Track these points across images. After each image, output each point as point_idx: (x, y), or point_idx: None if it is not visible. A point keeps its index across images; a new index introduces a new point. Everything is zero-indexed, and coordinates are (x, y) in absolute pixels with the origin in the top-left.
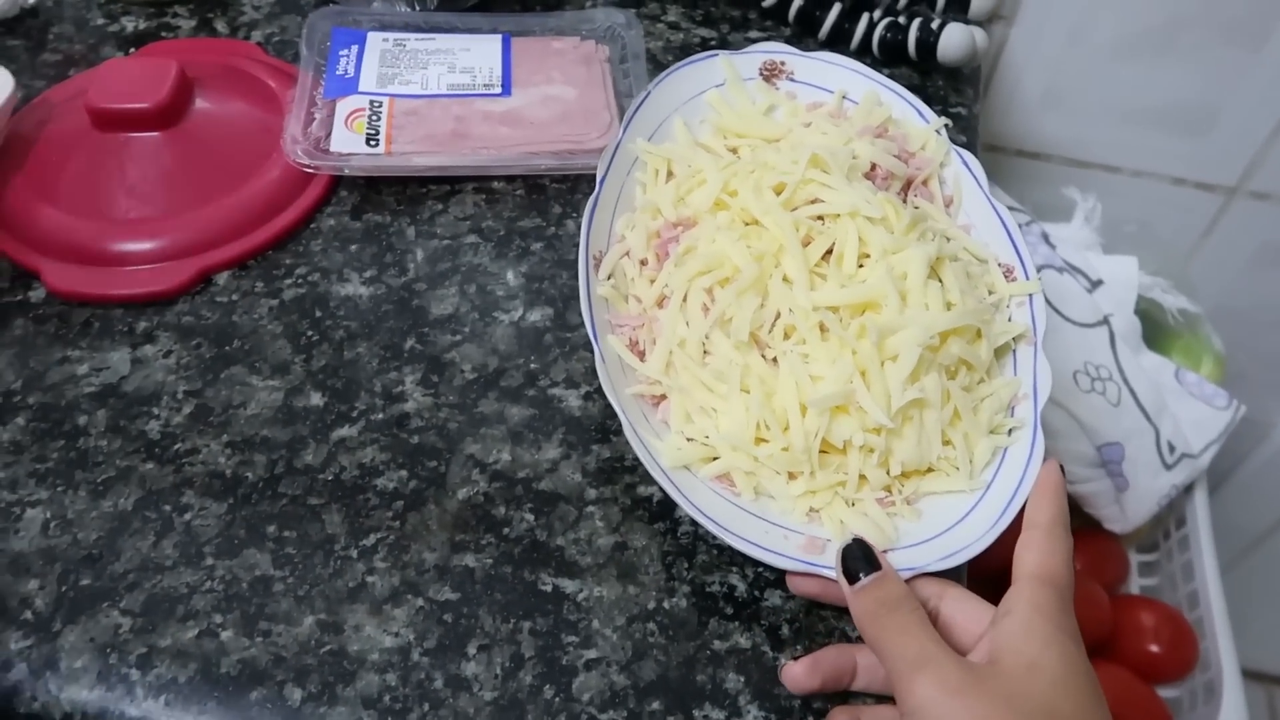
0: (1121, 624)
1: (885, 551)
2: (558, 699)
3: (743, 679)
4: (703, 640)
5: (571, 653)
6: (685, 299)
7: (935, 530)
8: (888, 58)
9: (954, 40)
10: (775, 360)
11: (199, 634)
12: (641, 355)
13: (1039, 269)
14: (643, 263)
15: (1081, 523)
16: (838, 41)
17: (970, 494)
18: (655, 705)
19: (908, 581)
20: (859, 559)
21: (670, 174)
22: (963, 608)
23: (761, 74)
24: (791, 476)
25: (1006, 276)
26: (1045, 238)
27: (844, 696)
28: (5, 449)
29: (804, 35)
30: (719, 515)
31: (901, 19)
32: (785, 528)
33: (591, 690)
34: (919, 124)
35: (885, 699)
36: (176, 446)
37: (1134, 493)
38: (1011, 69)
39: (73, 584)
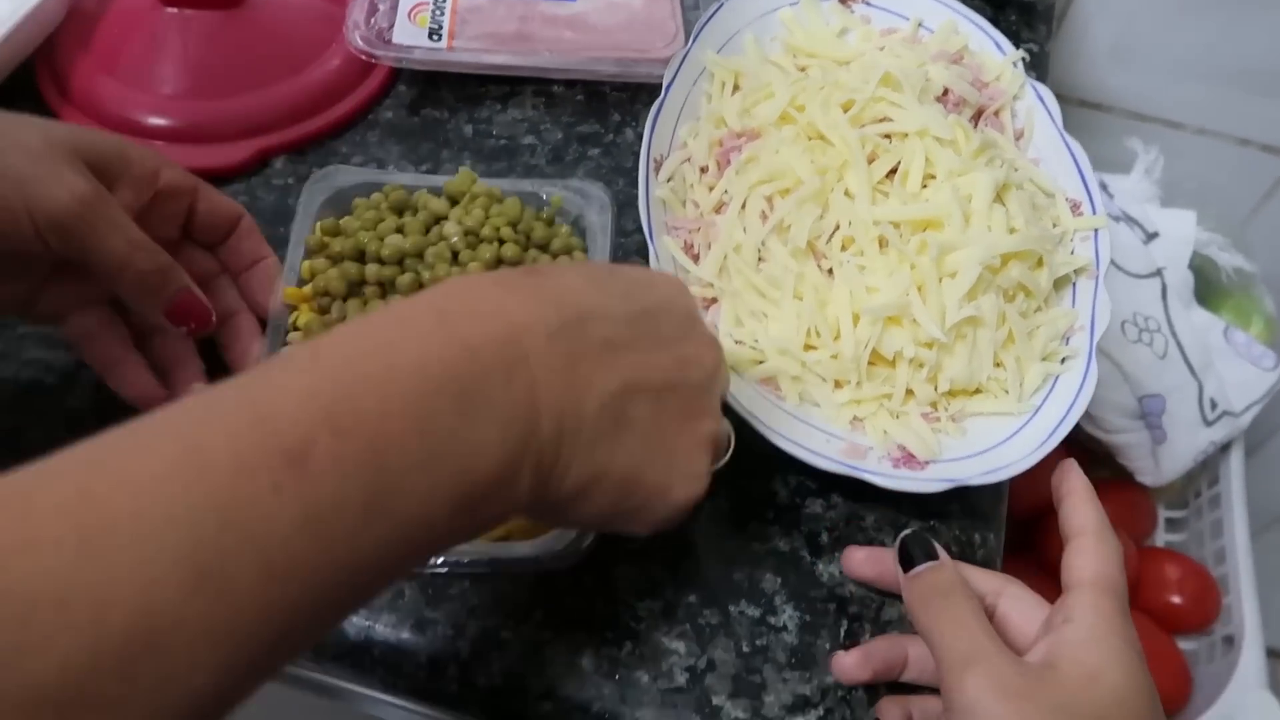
0: (1146, 575)
1: (926, 464)
2: (596, 585)
3: (780, 580)
4: (742, 541)
5: (612, 544)
6: (744, 206)
7: (979, 447)
8: None
9: None
10: (830, 272)
11: None
12: (696, 259)
13: None
14: (703, 170)
15: (1112, 473)
16: None
17: (1017, 417)
18: (692, 598)
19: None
20: (918, 547)
21: (737, 88)
22: (1020, 606)
23: None
24: (838, 385)
25: (1073, 212)
26: (1103, 187)
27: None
28: None
29: None
30: (763, 415)
31: None
32: (828, 433)
33: (630, 580)
34: (995, 56)
35: (935, 690)
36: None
37: (1171, 446)
38: (1082, 15)
39: None
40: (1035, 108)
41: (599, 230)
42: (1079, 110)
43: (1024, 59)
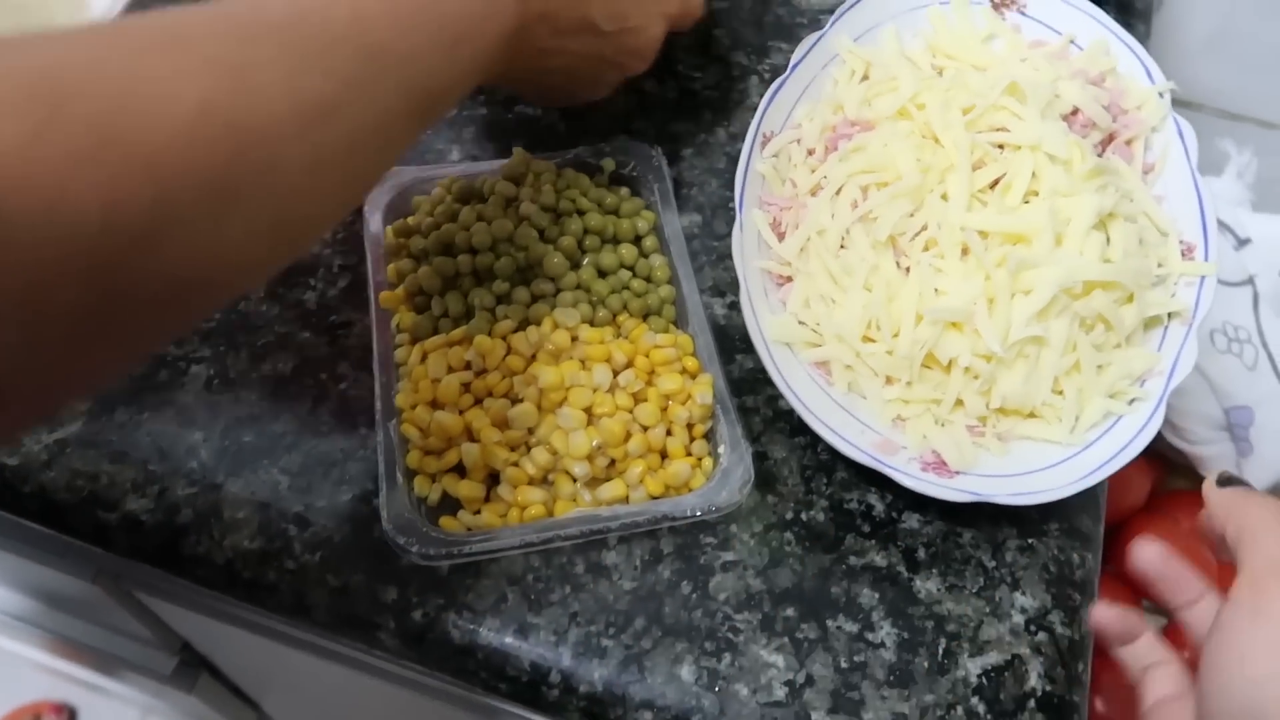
0: (1226, 589)
1: (956, 474)
2: (695, 595)
3: (877, 595)
4: (839, 554)
5: (709, 553)
6: (839, 192)
7: (1016, 469)
8: None
9: None
10: (908, 271)
11: (353, 498)
12: (781, 236)
13: None
14: (810, 152)
15: (1191, 484)
16: None
17: (1065, 448)
18: (789, 611)
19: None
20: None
21: (866, 78)
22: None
23: (992, 0)
24: (889, 381)
25: (1185, 254)
26: None
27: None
28: None
29: None
30: (805, 396)
31: None
32: (865, 424)
33: (728, 591)
34: (1143, 82)
35: None
36: (332, 319)
37: (1256, 459)
38: (1176, 11)
39: (235, 439)
40: (1173, 142)
41: (655, 184)
42: None
43: (1173, 90)
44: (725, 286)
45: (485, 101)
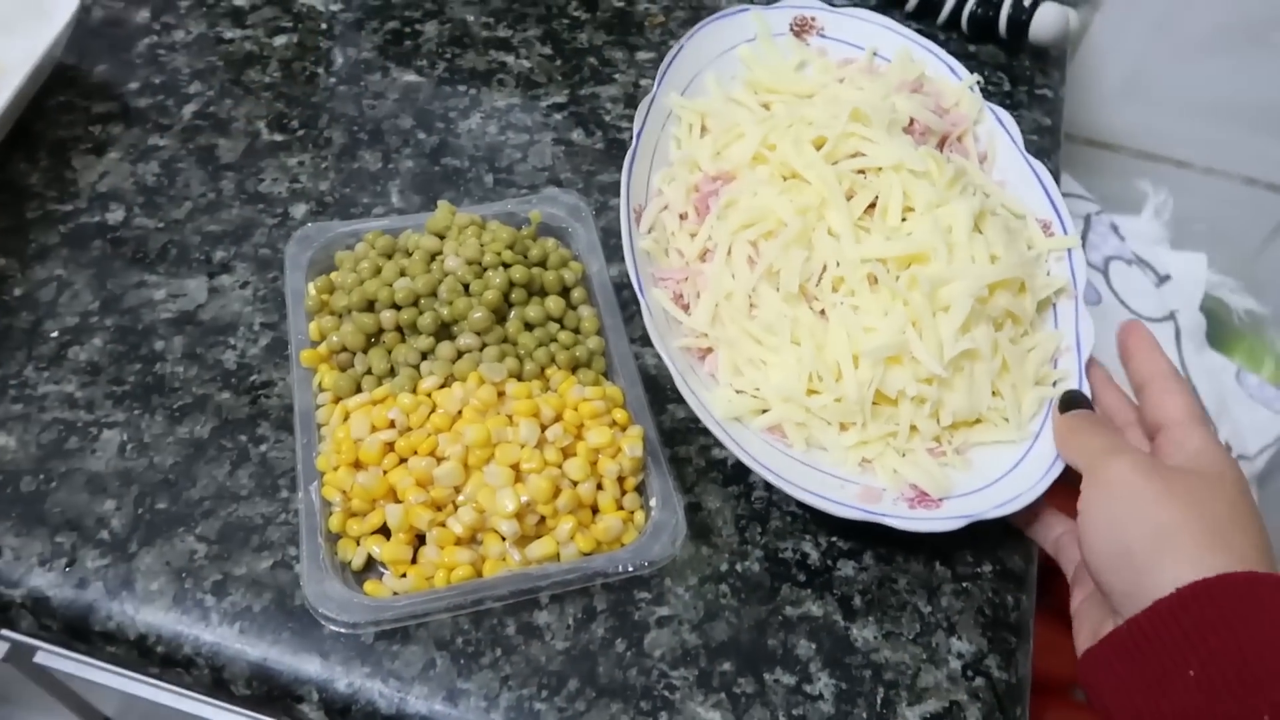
0: None
1: (940, 501)
2: (629, 653)
3: (814, 646)
4: (775, 605)
5: (644, 609)
6: (730, 252)
7: (987, 480)
8: (975, 34)
9: (1048, 19)
10: (823, 313)
11: (273, 565)
12: (686, 309)
13: (1107, 260)
14: (682, 216)
15: None
16: (925, 15)
17: (1019, 444)
18: (726, 666)
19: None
20: (1074, 403)
21: (704, 129)
22: None
23: (792, 29)
24: (843, 428)
25: (1044, 232)
26: (1115, 229)
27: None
28: (83, 369)
29: (890, 7)
30: (775, 466)
31: None
32: (839, 477)
33: (663, 647)
34: (952, 81)
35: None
36: (252, 378)
37: None
38: (1092, 55)
39: (149, 507)
40: (996, 131)
41: (582, 235)
42: (1085, 149)
43: (979, 82)
44: None
45: (411, 154)
